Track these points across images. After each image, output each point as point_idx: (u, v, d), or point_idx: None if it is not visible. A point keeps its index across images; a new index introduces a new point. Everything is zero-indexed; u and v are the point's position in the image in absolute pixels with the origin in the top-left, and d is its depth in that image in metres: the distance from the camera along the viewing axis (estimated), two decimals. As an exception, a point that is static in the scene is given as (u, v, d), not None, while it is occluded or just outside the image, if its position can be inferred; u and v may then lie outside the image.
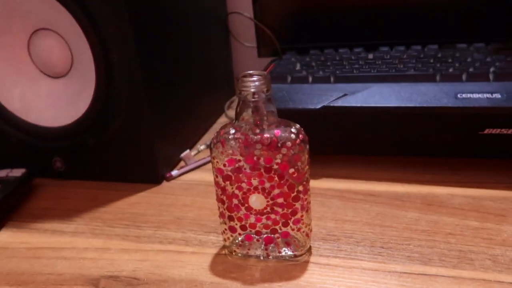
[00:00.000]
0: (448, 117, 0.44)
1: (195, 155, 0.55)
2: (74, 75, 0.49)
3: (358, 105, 0.44)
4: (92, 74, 0.46)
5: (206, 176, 0.51)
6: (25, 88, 0.51)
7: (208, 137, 0.60)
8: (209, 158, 0.53)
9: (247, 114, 0.32)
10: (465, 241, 0.35)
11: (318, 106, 0.45)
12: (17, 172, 0.49)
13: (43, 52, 0.49)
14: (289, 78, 0.50)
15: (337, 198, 0.43)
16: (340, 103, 0.45)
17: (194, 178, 0.51)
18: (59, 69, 0.49)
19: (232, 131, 0.32)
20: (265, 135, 0.31)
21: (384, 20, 0.60)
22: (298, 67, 0.54)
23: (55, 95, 0.50)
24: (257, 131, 0.31)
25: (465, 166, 0.47)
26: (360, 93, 0.45)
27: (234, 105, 0.65)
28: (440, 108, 0.42)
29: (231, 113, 0.67)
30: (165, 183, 0.50)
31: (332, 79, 0.49)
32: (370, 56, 0.55)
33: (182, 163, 0.53)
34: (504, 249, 0.34)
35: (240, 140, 0.31)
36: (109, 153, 0.50)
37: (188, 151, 0.53)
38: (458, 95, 0.42)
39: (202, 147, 0.56)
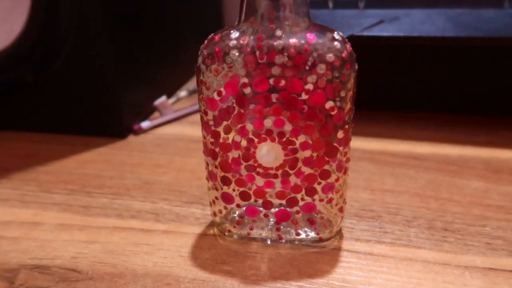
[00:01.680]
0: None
1: (173, 103, 0.42)
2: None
3: (401, 34, 0.32)
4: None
5: (188, 130, 0.38)
6: None
7: (191, 85, 0.47)
8: (192, 108, 0.41)
9: (259, 15, 0.19)
10: None
11: (345, 36, 0.33)
12: None
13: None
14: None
15: (368, 161, 0.32)
16: (375, 32, 0.33)
17: (172, 132, 0.38)
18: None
19: (235, 34, 0.19)
20: (290, 41, 0.19)
21: None
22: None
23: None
24: (278, 33, 0.19)
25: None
26: (403, 20, 0.33)
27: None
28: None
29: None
30: (132, 138, 0.37)
31: (361, 3, 0.36)
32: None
33: (156, 114, 0.40)
34: None
35: (248, 49, 0.19)
36: (55, 96, 0.36)
37: (164, 97, 0.40)
38: (542, 22, 0.31)
39: (183, 93, 0.44)
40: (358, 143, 0.34)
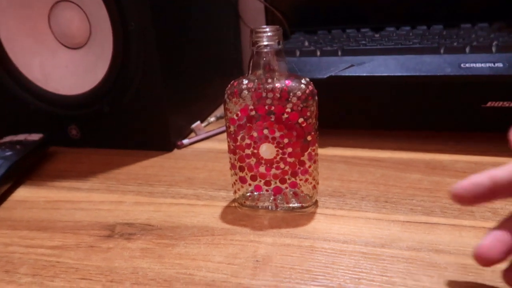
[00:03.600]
0: (452, 87, 0.45)
1: (205, 126, 0.57)
2: (92, 45, 0.51)
3: (364, 74, 0.46)
4: (109, 44, 0.48)
5: (216, 145, 0.53)
6: (45, 58, 0.53)
7: (218, 112, 0.62)
8: (218, 130, 0.55)
9: (259, 70, 0.33)
10: (466, 197, 0.37)
11: (325, 76, 0.47)
12: (35, 137, 0.51)
13: (63, 24, 0.51)
14: (298, 52, 0.52)
15: (343, 163, 0.45)
16: (347, 73, 0.47)
17: (204, 147, 0.52)
18: (78, 40, 0.52)
19: (245, 81, 0.34)
20: (276, 85, 0.33)
21: (390, 4, 0.62)
22: (306, 43, 0.56)
23: (73, 65, 0.52)
24: (269, 81, 0.33)
25: (468, 138, 0.48)
26: (367, 64, 0.47)
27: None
28: (444, 77, 0.44)
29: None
30: (176, 151, 0.52)
31: (339, 52, 0.50)
32: (377, 35, 0.57)
33: (192, 134, 0.55)
34: (504, 204, 0.36)
35: (253, 90, 0.33)
36: (123, 121, 0.52)
37: (198, 122, 0.55)
38: (462, 65, 0.44)
39: (212, 119, 0.58)
40: (337, 152, 0.47)
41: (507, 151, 0.45)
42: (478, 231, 0.33)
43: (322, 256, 0.31)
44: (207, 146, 0.53)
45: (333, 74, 0.47)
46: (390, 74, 0.45)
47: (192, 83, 0.56)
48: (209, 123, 0.58)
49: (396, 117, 0.50)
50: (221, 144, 0.52)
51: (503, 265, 0.29)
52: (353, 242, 0.32)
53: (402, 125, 0.50)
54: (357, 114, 0.51)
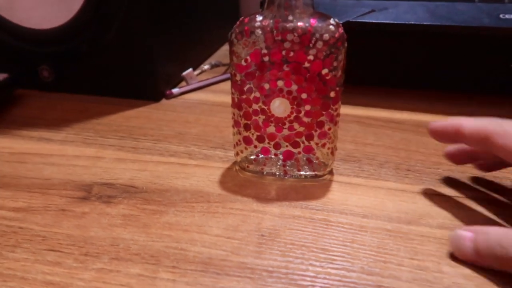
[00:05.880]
0: (487, 42, 0.40)
1: (198, 75, 0.50)
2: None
3: (387, 21, 0.40)
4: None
5: (210, 96, 0.46)
6: (8, -19, 0.44)
7: (213, 60, 0.55)
8: (213, 79, 0.49)
9: (276, 4, 0.27)
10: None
11: (342, 21, 0.40)
12: (-2, 76, 0.43)
13: None
14: (309, -7, 0.45)
15: (355, 123, 0.40)
16: (366, 19, 0.40)
17: (197, 98, 0.46)
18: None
19: (259, 18, 0.27)
20: (298, 24, 0.26)
21: None
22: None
23: (43, -8, 0.44)
24: (290, 18, 0.26)
25: (494, 102, 0.43)
26: (390, 10, 0.40)
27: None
28: (481, 28, 0.38)
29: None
30: (164, 101, 0.45)
31: (358, -5, 0.44)
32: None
33: (183, 83, 0.48)
34: (542, 178, 0.31)
35: (269, 29, 0.27)
36: (104, 63, 0.44)
37: (190, 69, 0.48)
38: (501, 16, 0.38)
39: (206, 66, 0.51)
40: (348, 110, 0.42)
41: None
42: (516, 210, 0.28)
43: (339, 232, 0.27)
44: (200, 97, 0.46)
45: (351, 19, 0.40)
46: (417, 23, 0.39)
47: (184, 23, 0.49)
48: (202, 71, 0.51)
49: (419, 74, 0.44)
50: (216, 95, 0.46)
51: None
52: (374, 216, 0.28)
53: (424, 83, 0.44)
54: (375, 68, 0.45)
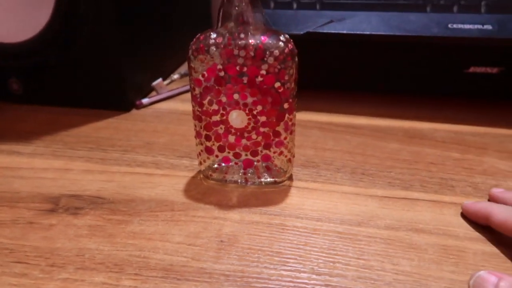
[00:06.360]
0: (437, 49, 0.42)
1: (168, 84, 0.52)
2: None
3: (345, 31, 0.42)
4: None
5: (179, 105, 0.48)
6: (-25, -4, 0.45)
7: (182, 69, 0.56)
8: (182, 88, 0.50)
9: (231, 22, 0.28)
10: (446, 170, 0.35)
11: (302, 32, 0.42)
12: (-33, 90, 0.44)
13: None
14: (272, 4, 0.46)
15: (317, 129, 0.41)
16: (325, 29, 0.42)
17: (166, 107, 0.47)
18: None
19: (213, 35, 0.28)
20: (250, 41, 0.28)
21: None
22: (281, -6, 0.51)
23: (11, 6, 0.44)
24: (242, 36, 0.28)
25: (447, 104, 0.46)
26: (347, 20, 0.42)
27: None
28: (430, 37, 0.40)
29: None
30: (134, 111, 0.46)
31: (318, 5, 0.45)
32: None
33: (153, 93, 0.50)
34: (484, 178, 0.34)
35: (222, 46, 0.28)
36: (72, 75, 0.45)
37: (160, 79, 0.49)
38: (449, 25, 0.40)
39: (176, 76, 0.53)
40: (311, 116, 0.44)
41: (485, 119, 0.43)
42: (459, 208, 0.30)
43: (293, 236, 0.28)
44: (169, 106, 0.48)
45: (310, 30, 0.42)
46: (372, 33, 0.41)
47: (154, 33, 0.50)
48: (172, 81, 0.52)
49: (375, 79, 0.46)
50: (185, 104, 0.48)
51: (486, 248, 0.27)
52: (327, 219, 0.30)
53: (380, 87, 0.47)
54: (334, 74, 0.47)
